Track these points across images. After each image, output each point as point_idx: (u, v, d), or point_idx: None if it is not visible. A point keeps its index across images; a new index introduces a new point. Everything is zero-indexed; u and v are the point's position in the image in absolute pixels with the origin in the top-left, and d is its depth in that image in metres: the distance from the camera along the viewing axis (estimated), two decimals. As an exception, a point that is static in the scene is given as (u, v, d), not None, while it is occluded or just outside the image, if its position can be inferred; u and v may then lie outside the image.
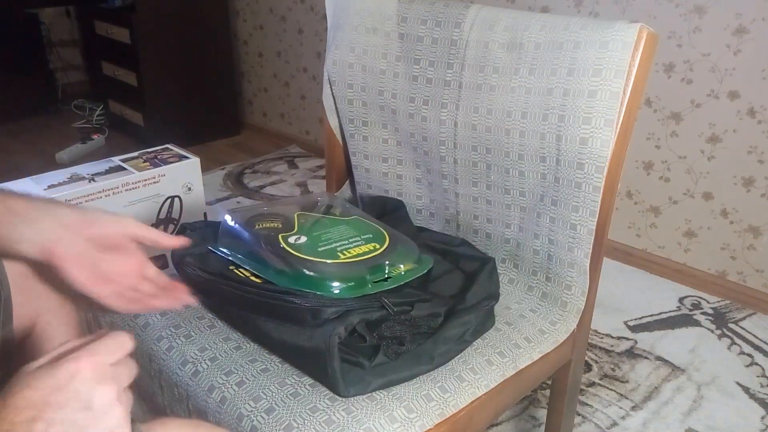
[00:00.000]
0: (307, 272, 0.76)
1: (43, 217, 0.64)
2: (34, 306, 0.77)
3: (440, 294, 0.85)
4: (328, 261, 0.79)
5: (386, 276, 0.79)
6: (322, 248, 0.81)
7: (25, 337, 0.77)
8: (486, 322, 0.84)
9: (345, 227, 0.87)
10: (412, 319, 0.76)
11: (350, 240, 0.83)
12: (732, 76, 1.59)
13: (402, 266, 0.81)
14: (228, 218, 0.88)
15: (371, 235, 0.85)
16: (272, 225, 0.85)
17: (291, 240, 0.82)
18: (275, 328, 0.76)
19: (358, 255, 0.80)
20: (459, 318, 0.79)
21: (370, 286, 0.77)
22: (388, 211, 1.05)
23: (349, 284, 0.76)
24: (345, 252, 0.81)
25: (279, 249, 0.80)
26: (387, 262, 0.80)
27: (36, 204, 0.65)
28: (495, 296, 0.86)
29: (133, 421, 0.44)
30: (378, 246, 0.83)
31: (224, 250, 0.86)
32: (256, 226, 0.85)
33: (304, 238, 0.82)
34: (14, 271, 0.72)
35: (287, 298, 0.74)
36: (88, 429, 0.40)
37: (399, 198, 1.10)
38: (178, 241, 0.74)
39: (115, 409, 0.41)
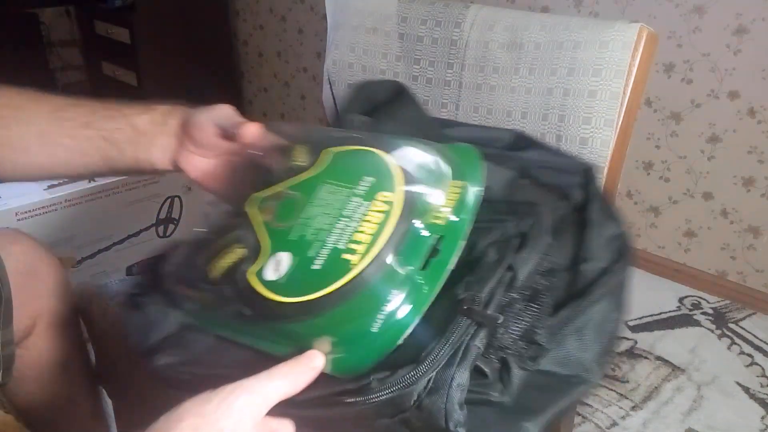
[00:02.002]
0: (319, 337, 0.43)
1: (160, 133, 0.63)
2: (35, 307, 0.77)
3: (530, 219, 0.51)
4: (344, 279, 0.43)
5: (434, 247, 0.45)
6: (319, 263, 0.45)
7: (25, 337, 0.77)
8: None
9: (327, 189, 0.49)
10: (525, 289, 0.47)
11: (347, 213, 0.47)
12: (732, 76, 1.58)
13: (445, 203, 0.46)
14: (170, 273, 0.53)
15: (370, 176, 0.49)
16: (233, 255, 0.49)
17: (268, 273, 0.46)
18: None
19: (373, 236, 0.45)
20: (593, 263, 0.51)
21: (424, 287, 0.43)
22: (380, 106, 0.69)
23: (388, 312, 0.42)
24: (353, 245, 0.45)
25: (255, 300, 0.46)
26: (420, 214, 0.46)
27: (156, 119, 0.64)
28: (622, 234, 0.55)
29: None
30: (390, 193, 0.47)
31: (204, 325, 0.51)
32: (214, 271, 0.49)
33: (286, 258, 0.46)
34: (15, 271, 0.72)
35: (339, 398, 0.42)
36: None
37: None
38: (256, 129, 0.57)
39: None
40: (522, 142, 0.61)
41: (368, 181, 0.48)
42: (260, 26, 2.86)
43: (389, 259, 0.44)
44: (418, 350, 0.42)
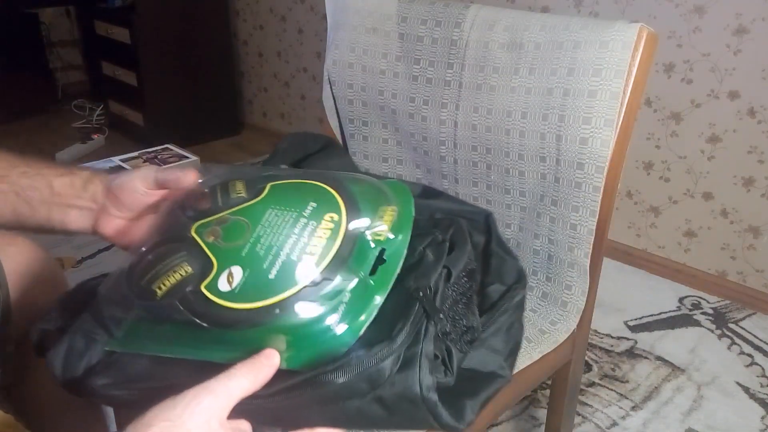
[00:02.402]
0: (307, 323, 0.47)
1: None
2: (33, 307, 0.77)
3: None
4: (291, 292, 0.48)
5: (379, 253, 0.51)
6: (274, 272, 0.49)
7: (24, 338, 0.77)
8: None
9: (273, 213, 0.53)
10: (457, 285, 0.55)
11: (296, 229, 0.51)
12: (732, 76, 1.59)
13: (383, 222, 0.53)
14: (107, 303, 0.54)
15: (314, 203, 0.53)
16: (179, 274, 0.51)
17: (222, 285, 0.49)
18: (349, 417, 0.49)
19: (325, 248, 0.50)
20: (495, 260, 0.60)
21: (375, 288, 0.49)
22: (310, 156, 0.75)
23: (354, 309, 0.48)
24: (305, 255, 0.50)
25: (210, 310, 0.48)
26: (365, 231, 0.52)
27: (75, 183, 0.65)
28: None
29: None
30: (335, 214, 0.53)
31: (143, 347, 0.52)
32: (158, 290, 0.51)
33: (238, 271, 0.50)
34: (12, 272, 0.72)
35: (313, 380, 0.47)
36: None
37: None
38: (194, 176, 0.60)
39: None
40: (430, 192, 0.68)
41: (313, 205, 0.53)
42: (260, 26, 2.86)
43: (343, 264, 0.49)
44: (383, 336, 0.47)
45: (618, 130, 0.79)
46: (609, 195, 0.83)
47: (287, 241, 0.50)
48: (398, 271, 0.51)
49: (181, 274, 0.51)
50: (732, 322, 1.64)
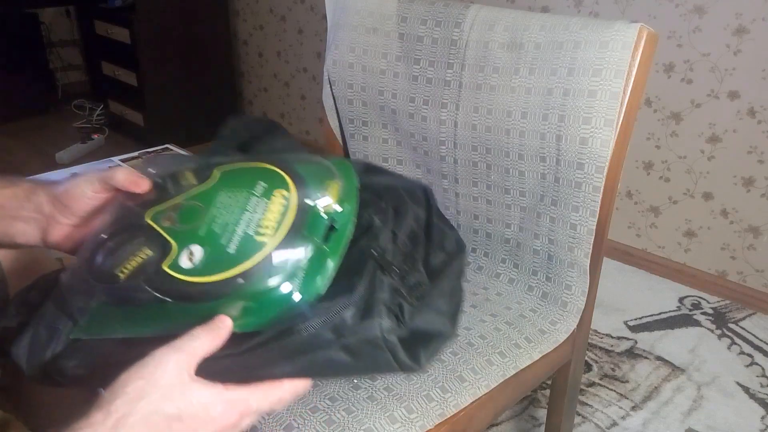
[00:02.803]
0: (266, 285, 0.50)
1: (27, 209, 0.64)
2: None
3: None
4: (261, 254, 0.51)
5: (329, 224, 0.55)
6: (233, 247, 0.52)
7: None
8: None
9: (225, 195, 0.57)
10: (402, 244, 0.60)
11: (249, 207, 0.55)
12: (732, 76, 1.59)
13: (330, 196, 0.57)
14: (70, 292, 0.56)
15: (263, 182, 0.57)
16: (140, 258, 0.53)
17: (184, 263, 0.52)
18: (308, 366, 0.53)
19: (279, 221, 0.53)
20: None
21: (329, 253, 0.53)
22: (254, 139, 0.76)
23: (319, 266, 0.52)
24: (261, 229, 0.53)
25: (174, 286, 0.51)
26: (315, 203, 0.55)
27: (18, 195, 0.64)
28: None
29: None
30: (285, 191, 0.56)
31: (110, 330, 0.54)
32: (121, 274, 0.53)
33: (198, 249, 0.53)
34: (12, 271, 0.72)
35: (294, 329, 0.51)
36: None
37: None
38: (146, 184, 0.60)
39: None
40: (372, 168, 0.71)
41: (262, 185, 0.57)
42: (260, 26, 2.86)
43: (297, 234, 0.52)
44: (343, 290, 0.52)
45: (618, 130, 0.79)
46: (609, 195, 0.83)
47: (242, 218, 0.54)
48: (349, 237, 0.55)
49: (141, 257, 0.53)
50: (732, 322, 1.64)
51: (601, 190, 0.82)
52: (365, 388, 0.73)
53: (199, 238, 0.53)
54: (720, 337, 1.59)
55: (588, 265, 0.87)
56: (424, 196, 0.68)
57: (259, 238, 0.52)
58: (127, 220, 0.57)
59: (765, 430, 1.30)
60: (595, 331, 1.60)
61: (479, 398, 0.77)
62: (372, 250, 0.56)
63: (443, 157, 0.99)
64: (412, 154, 1.05)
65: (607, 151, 0.80)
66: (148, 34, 2.67)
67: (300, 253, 0.51)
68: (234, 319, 0.49)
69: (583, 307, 0.90)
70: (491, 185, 0.95)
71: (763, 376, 1.45)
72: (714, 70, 1.61)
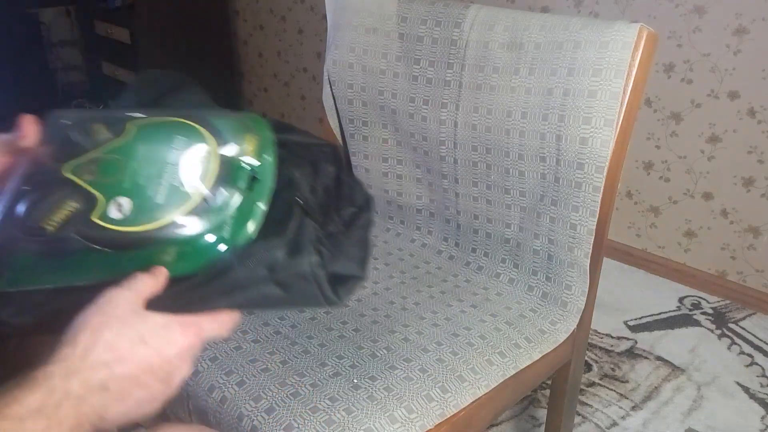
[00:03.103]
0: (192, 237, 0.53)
1: None
2: None
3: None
4: (190, 203, 0.54)
5: (252, 174, 0.57)
6: (161, 198, 0.54)
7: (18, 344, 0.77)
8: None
9: (144, 148, 0.57)
10: (320, 196, 0.64)
11: (171, 161, 0.56)
12: (732, 76, 1.59)
13: (249, 147, 0.59)
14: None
15: (183, 137, 0.58)
16: (67, 210, 0.54)
17: (113, 214, 0.53)
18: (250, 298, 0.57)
19: (203, 173, 0.56)
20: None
21: (255, 201, 0.56)
22: (165, 95, 0.75)
23: (246, 214, 0.55)
24: (187, 179, 0.55)
25: (107, 237, 0.53)
26: (235, 155, 0.58)
27: None
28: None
29: (139, 426, 0.45)
30: (205, 144, 0.58)
31: (41, 281, 0.54)
32: (49, 226, 0.54)
33: (126, 200, 0.54)
34: None
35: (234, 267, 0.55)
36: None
37: (399, 197, 1.10)
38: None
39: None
40: (281, 125, 0.73)
41: (181, 138, 0.57)
42: (260, 26, 2.85)
43: (223, 183, 0.55)
44: (272, 233, 0.55)
45: (618, 130, 0.79)
46: (609, 195, 0.83)
47: (165, 170, 0.55)
48: (272, 186, 0.58)
49: (69, 210, 0.53)
50: (732, 322, 1.64)
51: (601, 190, 0.82)
52: (365, 388, 0.73)
53: (125, 190, 0.54)
54: (720, 337, 1.59)
55: (588, 265, 0.87)
56: (335, 154, 0.72)
57: (186, 189, 0.54)
58: (44, 175, 0.57)
59: (765, 430, 1.29)
60: (595, 331, 1.60)
61: (479, 398, 0.77)
62: (296, 198, 0.59)
63: (443, 157, 0.99)
64: (412, 154, 1.05)
65: (607, 151, 0.80)
66: (148, 34, 2.67)
67: (227, 201, 0.54)
68: (169, 265, 0.52)
69: (583, 307, 0.90)
70: (491, 185, 0.95)
71: (763, 376, 1.45)
72: (714, 70, 1.61)
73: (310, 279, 0.56)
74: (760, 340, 1.57)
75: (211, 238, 0.53)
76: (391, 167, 1.09)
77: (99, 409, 0.45)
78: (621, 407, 1.35)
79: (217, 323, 0.53)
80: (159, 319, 0.50)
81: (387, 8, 1.00)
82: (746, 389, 1.41)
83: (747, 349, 1.54)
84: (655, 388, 1.41)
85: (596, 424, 1.30)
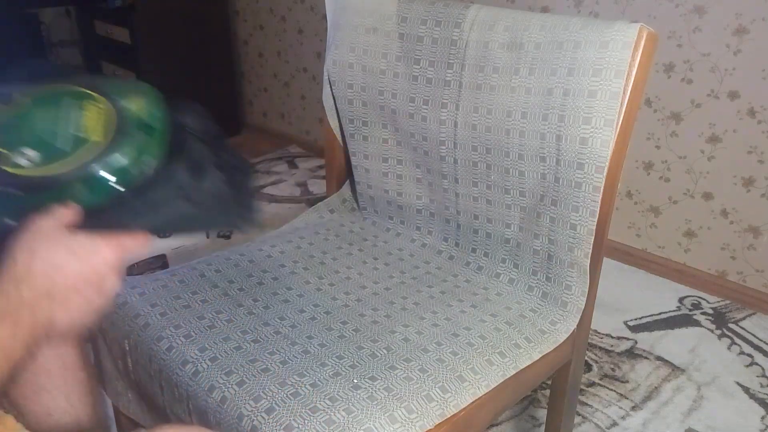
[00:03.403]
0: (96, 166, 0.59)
1: None
2: None
3: None
4: (95, 147, 0.61)
5: (147, 122, 0.65)
6: (66, 147, 0.60)
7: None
8: None
9: (40, 110, 0.64)
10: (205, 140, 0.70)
11: (71, 117, 0.63)
12: (732, 76, 1.59)
13: (134, 98, 0.67)
14: None
15: (75, 99, 0.64)
16: None
17: (21, 162, 0.60)
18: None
19: (104, 124, 0.62)
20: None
21: (154, 144, 0.63)
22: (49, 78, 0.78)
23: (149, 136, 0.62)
24: (87, 129, 0.62)
25: (23, 182, 0.59)
26: (127, 108, 0.65)
27: None
28: None
29: (139, 427, 0.46)
30: (96, 102, 0.64)
31: None
32: None
33: (29, 150, 0.60)
34: None
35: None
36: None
37: (399, 197, 1.10)
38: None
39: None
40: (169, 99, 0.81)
41: (73, 99, 0.63)
42: (260, 26, 2.85)
43: (121, 130, 0.61)
44: (178, 159, 0.63)
45: (618, 130, 0.79)
46: (609, 195, 0.83)
47: (66, 124, 0.62)
48: (167, 131, 0.64)
49: None
50: (732, 322, 1.64)
51: (601, 190, 0.82)
52: (365, 388, 0.73)
53: (28, 143, 0.60)
54: (720, 337, 1.59)
55: (588, 265, 0.87)
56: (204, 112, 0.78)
57: (83, 136, 0.61)
58: None
59: (765, 430, 1.30)
60: (595, 331, 1.60)
61: (479, 398, 0.77)
62: (189, 131, 0.66)
63: (443, 157, 0.99)
64: (412, 154, 1.05)
65: (607, 151, 0.80)
66: (148, 34, 2.67)
67: (128, 142, 0.61)
68: (79, 200, 0.58)
69: (583, 307, 0.90)
70: (491, 185, 0.95)
71: (763, 376, 1.45)
72: (714, 70, 1.61)
73: (219, 196, 0.64)
74: (760, 340, 1.57)
75: (112, 173, 0.59)
76: (391, 167, 1.09)
77: (49, 315, 0.52)
78: (621, 407, 1.35)
79: (136, 240, 0.60)
80: (84, 236, 0.56)
81: (387, 8, 1.00)
82: (746, 389, 1.41)
83: (747, 349, 1.54)
84: (655, 388, 1.41)
85: (596, 424, 1.30)
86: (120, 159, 0.60)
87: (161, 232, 0.65)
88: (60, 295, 0.53)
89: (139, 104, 0.66)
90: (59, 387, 0.82)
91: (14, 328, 0.50)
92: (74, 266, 0.54)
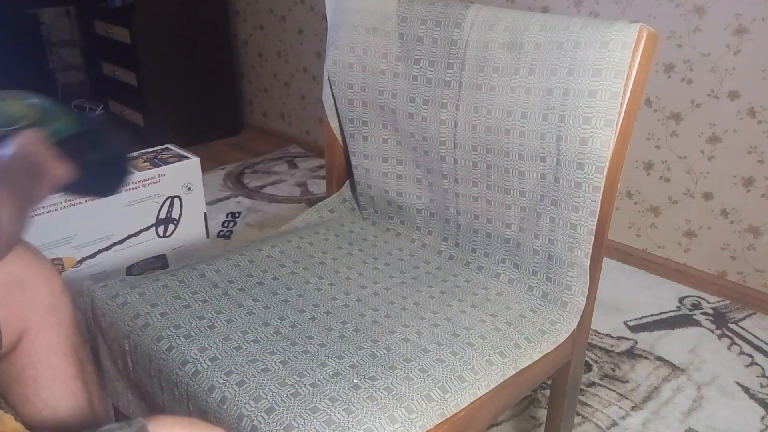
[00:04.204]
0: None
1: None
2: (20, 319, 0.76)
3: None
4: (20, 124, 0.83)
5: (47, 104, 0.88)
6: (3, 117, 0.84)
7: (10, 352, 0.77)
8: None
9: None
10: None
11: None
12: (732, 76, 1.59)
13: (8, 99, 0.90)
14: None
15: None
16: None
17: None
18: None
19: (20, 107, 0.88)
20: None
21: (67, 120, 0.84)
22: None
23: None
24: (15, 113, 0.86)
25: None
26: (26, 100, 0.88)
27: None
28: None
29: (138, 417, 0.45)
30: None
31: None
32: None
33: None
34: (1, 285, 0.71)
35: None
36: None
37: (399, 197, 1.10)
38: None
39: None
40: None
41: None
42: (260, 26, 2.85)
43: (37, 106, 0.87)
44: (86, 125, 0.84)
45: (618, 130, 0.79)
46: (609, 195, 0.83)
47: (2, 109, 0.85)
48: (70, 112, 0.84)
49: None
50: (732, 322, 1.64)
51: (601, 190, 0.82)
52: (365, 388, 0.73)
53: None
54: (720, 337, 1.59)
55: (588, 265, 0.87)
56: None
57: (19, 117, 0.83)
58: None
59: (765, 430, 1.30)
60: (595, 331, 1.60)
61: (479, 398, 0.77)
62: (89, 109, 0.83)
63: (443, 157, 0.99)
64: (412, 154, 1.05)
65: (607, 151, 0.80)
66: (148, 34, 2.67)
67: (54, 118, 0.84)
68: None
69: (583, 307, 0.90)
70: (491, 185, 0.95)
71: (763, 376, 1.45)
72: (714, 70, 1.61)
73: (96, 167, 0.81)
74: (760, 340, 1.57)
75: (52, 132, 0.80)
76: (391, 167, 1.09)
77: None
78: (621, 407, 1.35)
79: (62, 168, 0.76)
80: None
81: (387, 8, 1.00)
82: (746, 389, 1.41)
83: (747, 349, 1.54)
84: (655, 388, 1.41)
85: (596, 424, 1.30)
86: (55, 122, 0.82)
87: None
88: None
89: (13, 99, 0.88)
90: (54, 381, 0.81)
91: None
92: (8, 151, 0.68)
